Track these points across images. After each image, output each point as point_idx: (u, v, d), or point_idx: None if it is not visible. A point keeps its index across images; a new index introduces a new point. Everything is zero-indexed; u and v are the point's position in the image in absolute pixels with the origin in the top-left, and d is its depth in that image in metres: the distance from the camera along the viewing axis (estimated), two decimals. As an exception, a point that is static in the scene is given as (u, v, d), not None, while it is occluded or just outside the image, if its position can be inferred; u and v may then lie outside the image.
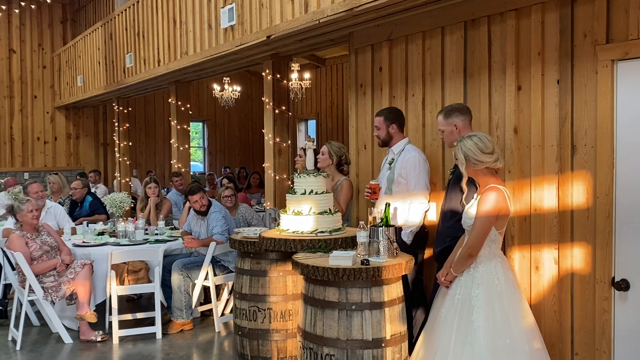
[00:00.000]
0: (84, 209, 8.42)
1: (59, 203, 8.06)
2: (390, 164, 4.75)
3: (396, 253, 4.09)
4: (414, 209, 4.59)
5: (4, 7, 14.04)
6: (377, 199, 4.77)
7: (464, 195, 3.88)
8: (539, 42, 4.11)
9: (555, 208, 4.02)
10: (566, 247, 3.98)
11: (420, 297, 4.73)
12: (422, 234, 4.69)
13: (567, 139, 3.95)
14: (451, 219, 4.12)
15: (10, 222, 6.76)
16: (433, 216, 4.74)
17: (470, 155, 3.66)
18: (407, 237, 4.60)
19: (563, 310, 4.02)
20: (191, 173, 11.34)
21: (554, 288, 4.06)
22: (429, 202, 4.65)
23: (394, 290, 3.95)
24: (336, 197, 5.40)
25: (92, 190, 9.87)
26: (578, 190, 3.90)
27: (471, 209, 3.75)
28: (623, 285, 3.66)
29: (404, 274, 4.03)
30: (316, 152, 5.35)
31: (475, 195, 3.82)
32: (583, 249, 3.88)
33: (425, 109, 5.05)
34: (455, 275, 3.76)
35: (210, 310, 6.32)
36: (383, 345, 3.83)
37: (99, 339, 5.76)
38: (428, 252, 4.78)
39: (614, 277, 3.72)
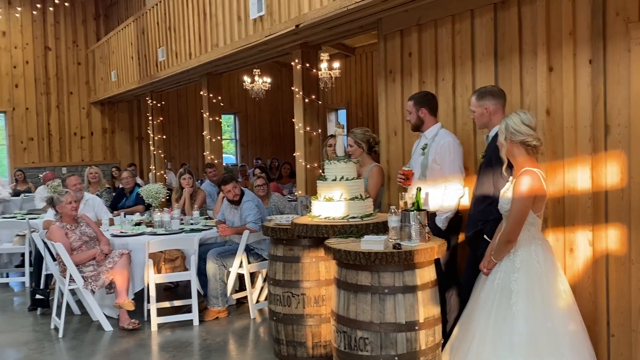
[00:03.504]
0: (131, 199, 8.62)
1: (97, 195, 8.24)
2: (423, 149, 4.74)
3: (428, 237, 4.10)
4: (449, 195, 4.58)
5: (39, 6, 14.37)
6: (410, 185, 4.76)
7: (504, 167, 3.83)
8: (570, 22, 4.06)
9: (589, 189, 3.98)
10: (601, 229, 3.94)
11: (453, 281, 4.73)
12: (457, 219, 4.68)
13: (600, 119, 3.90)
14: (483, 203, 4.10)
15: (50, 214, 6.94)
16: (466, 201, 4.73)
17: (510, 125, 3.66)
18: (441, 223, 4.59)
19: (598, 292, 3.99)
20: (224, 165, 11.46)
21: (588, 270, 4.03)
22: (463, 187, 4.64)
23: (427, 274, 3.97)
24: (366, 185, 5.40)
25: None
26: (612, 171, 3.85)
27: (507, 193, 3.73)
28: (659, 266, 3.61)
29: (436, 257, 4.04)
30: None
31: (510, 178, 3.80)
32: (618, 230, 3.84)
33: (455, 93, 5.03)
34: (495, 262, 3.76)
35: (245, 297, 6.40)
36: (417, 328, 3.85)
37: (130, 327, 5.88)
38: (462, 237, 4.77)
39: (650, 258, 3.67)
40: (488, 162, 4.11)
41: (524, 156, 3.69)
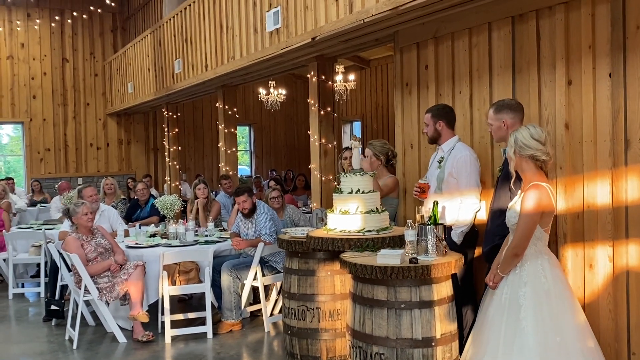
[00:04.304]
0: (145, 211, 8.65)
1: (112, 206, 8.27)
2: (440, 163, 4.71)
3: (445, 252, 4.06)
4: (465, 209, 4.54)
5: (57, 18, 14.55)
6: (426, 198, 4.73)
7: (512, 180, 3.79)
8: (590, 35, 4.02)
9: (609, 204, 3.92)
10: (621, 244, 3.87)
11: (469, 296, 4.67)
12: (472, 233, 4.63)
13: (621, 134, 3.85)
14: (500, 217, 4.05)
15: (66, 225, 6.97)
16: (483, 215, 4.68)
17: (519, 138, 3.63)
18: (457, 237, 4.55)
19: (619, 309, 3.91)
20: (238, 176, 11.48)
21: (608, 286, 3.96)
22: (480, 201, 4.59)
23: (444, 289, 3.92)
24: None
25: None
26: (632, 186, 3.79)
27: (515, 207, 3.69)
28: (682, 283, 3.54)
29: (453, 272, 4.00)
30: (363, 151, 5.34)
31: (519, 192, 3.76)
32: (639, 246, 3.78)
33: (473, 106, 5.00)
34: (502, 275, 3.72)
35: (260, 310, 6.38)
36: (433, 344, 3.80)
37: (144, 339, 5.87)
38: (478, 251, 4.72)
39: (672, 275, 3.61)
40: (505, 176, 4.07)
41: (533, 170, 3.65)
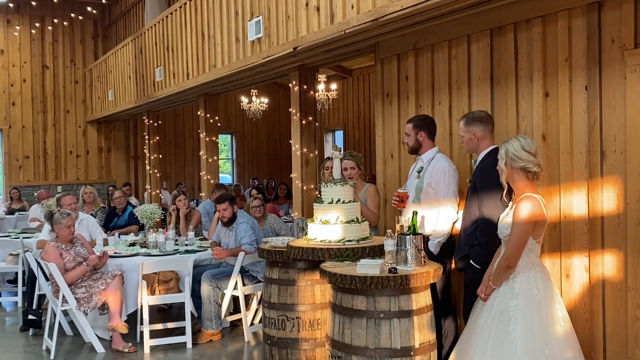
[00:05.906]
0: (123, 219, 8.60)
1: (91, 215, 8.20)
2: (419, 173, 4.74)
3: (424, 261, 4.08)
4: (442, 219, 4.57)
5: (37, 25, 14.44)
6: (404, 207, 4.76)
7: (504, 192, 3.82)
8: (566, 48, 4.09)
9: (585, 215, 3.98)
10: (597, 255, 3.93)
11: (448, 306, 4.70)
12: (450, 243, 4.67)
13: (596, 145, 3.92)
14: (470, 228, 4.10)
15: (44, 234, 6.89)
16: (459, 225, 4.72)
17: (510, 150, 3.65)
18: (434, 247, 4.57)
19: (594, 319, 3.97)
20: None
21: (585, 296, 4.01)
22: (457, 212, 4.63)
23: (423, 299, 3.95)
24: (366, 204, 5.40)
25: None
26: (608, 197, 3.86)
27: (506, 219, 3.71)
28: (656, 293, 3.60)
29: (432, 282, 4.02)
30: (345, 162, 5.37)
31: (510, 204, 3.78)
32: (614, 256, 3.84)
33: (452, 117, 5.05)
34: (493, 287, 3.72)
35: (240, 320, 6.35)
36: (412, 353, 3.82)
37: (126, 350, 5.82)
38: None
39: (646, 285, 3.66)
40: (474, 186, 4.12)
41: (524, 182, 3.67)
